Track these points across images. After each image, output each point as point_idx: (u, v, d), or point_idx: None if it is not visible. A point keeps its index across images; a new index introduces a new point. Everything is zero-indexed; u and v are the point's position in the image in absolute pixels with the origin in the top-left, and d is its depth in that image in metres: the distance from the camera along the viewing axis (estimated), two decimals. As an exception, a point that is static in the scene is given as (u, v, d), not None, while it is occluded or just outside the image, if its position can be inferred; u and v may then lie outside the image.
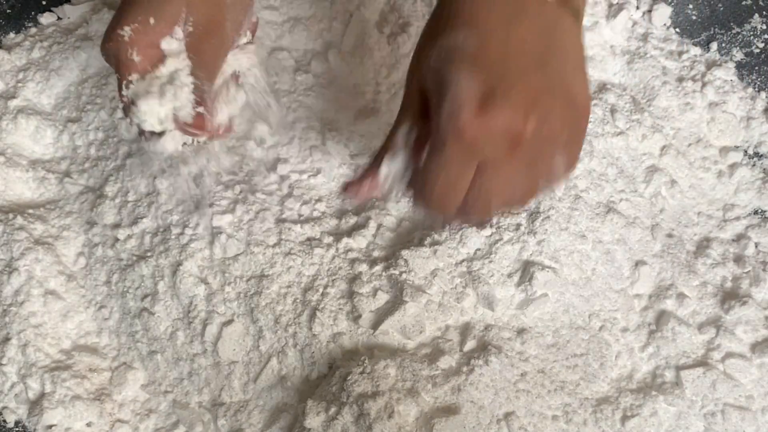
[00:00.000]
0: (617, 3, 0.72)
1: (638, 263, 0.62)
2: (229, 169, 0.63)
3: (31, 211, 0.66)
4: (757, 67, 0.72)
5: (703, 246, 0.64)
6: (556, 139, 0.45)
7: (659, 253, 0.63)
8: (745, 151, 0.69)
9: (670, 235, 0.64)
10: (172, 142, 0.51)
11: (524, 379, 0.56)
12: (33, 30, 0.75)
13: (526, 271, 0.58)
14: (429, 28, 0.48)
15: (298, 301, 0.59)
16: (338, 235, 0.61)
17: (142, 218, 0.62)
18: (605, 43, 0.71)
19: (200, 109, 0.50)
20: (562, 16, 0.46)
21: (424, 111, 0.47)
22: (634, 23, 0.72)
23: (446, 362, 0.56)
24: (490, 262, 0.59)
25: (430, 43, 0.46)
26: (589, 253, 0.60)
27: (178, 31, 0.49)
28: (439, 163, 0.44)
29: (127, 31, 0.48)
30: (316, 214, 0.62)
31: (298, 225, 0.61)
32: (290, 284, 0.59)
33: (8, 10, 0.76)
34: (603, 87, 0.68)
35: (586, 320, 0.59)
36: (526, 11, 0.45)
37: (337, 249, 0.60)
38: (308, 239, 0.61)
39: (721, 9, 0.74)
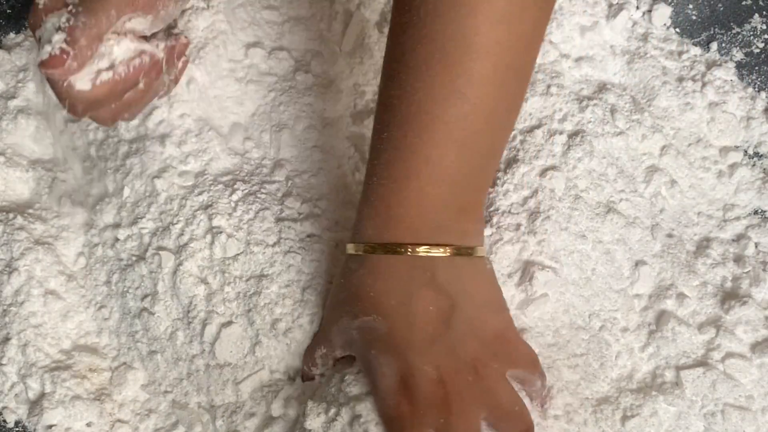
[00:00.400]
0: (617, 3, 0.71)
1: (638, 263, 0.62)
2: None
3: (31, 211, 0.66)
4: (757, 67, 0.71)
5: (703, 246, 0.64)
6: (494, 370, 0.49)
7: (659, 253, 0.63)
8: (745, 151, 0.69)
9: (670, 235, 0.64)
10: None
11: (524, 379, 0.56)
12: (33, 30, 0.75)
13: (526, 271, 0.58)
14: (342, 299, 0.53)
15: (297, 301, 0.59)
16: (339, 231, 0.61)
17: (141, 218, 0.62)
18: (605, 43, 0.71)
19: (64, 46, 0.49)
20: (455, 265, 0.50)
21: (344, 346, 0.53)
22: (634, 23, 0.72)
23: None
24: (491, 261, 0.58)
25: (349, 315, 0.52)
26: (589, 253, 0.60)
27: None
28: None
29: (41, 1, 0.51)
30: (317, 211, 0.62)
31: (298, 223, 0.61)
32: (289, 283, 0.59)
33: (8, 10, 0.76)
34: (603, 87, 0.68)
35: (586, 320, 0.59)
36: (419, 284, 0.50)
37: (337, 245, 0.60)
38: (309, 236, 0.61)
39: (721, 9, 0.74)
